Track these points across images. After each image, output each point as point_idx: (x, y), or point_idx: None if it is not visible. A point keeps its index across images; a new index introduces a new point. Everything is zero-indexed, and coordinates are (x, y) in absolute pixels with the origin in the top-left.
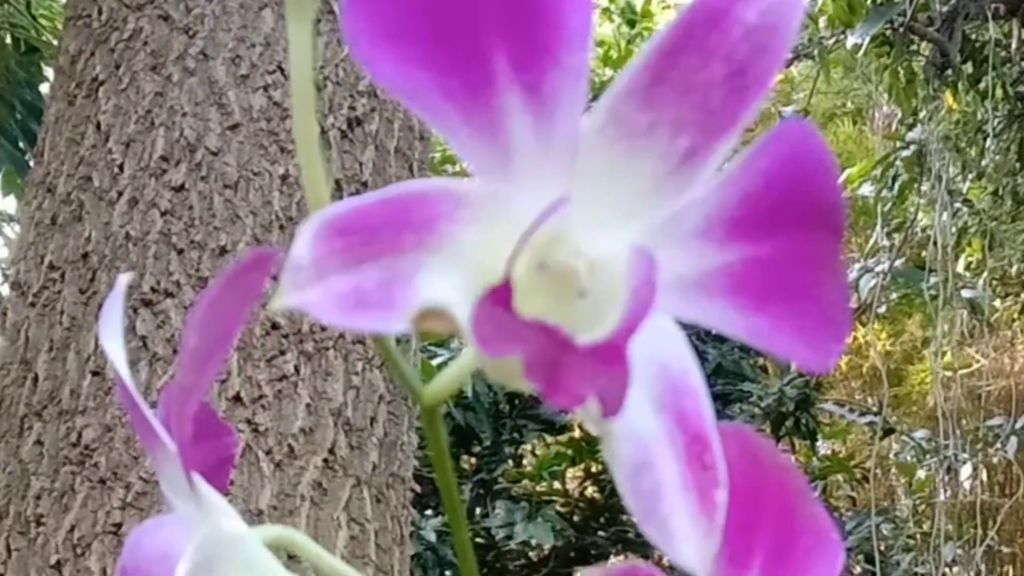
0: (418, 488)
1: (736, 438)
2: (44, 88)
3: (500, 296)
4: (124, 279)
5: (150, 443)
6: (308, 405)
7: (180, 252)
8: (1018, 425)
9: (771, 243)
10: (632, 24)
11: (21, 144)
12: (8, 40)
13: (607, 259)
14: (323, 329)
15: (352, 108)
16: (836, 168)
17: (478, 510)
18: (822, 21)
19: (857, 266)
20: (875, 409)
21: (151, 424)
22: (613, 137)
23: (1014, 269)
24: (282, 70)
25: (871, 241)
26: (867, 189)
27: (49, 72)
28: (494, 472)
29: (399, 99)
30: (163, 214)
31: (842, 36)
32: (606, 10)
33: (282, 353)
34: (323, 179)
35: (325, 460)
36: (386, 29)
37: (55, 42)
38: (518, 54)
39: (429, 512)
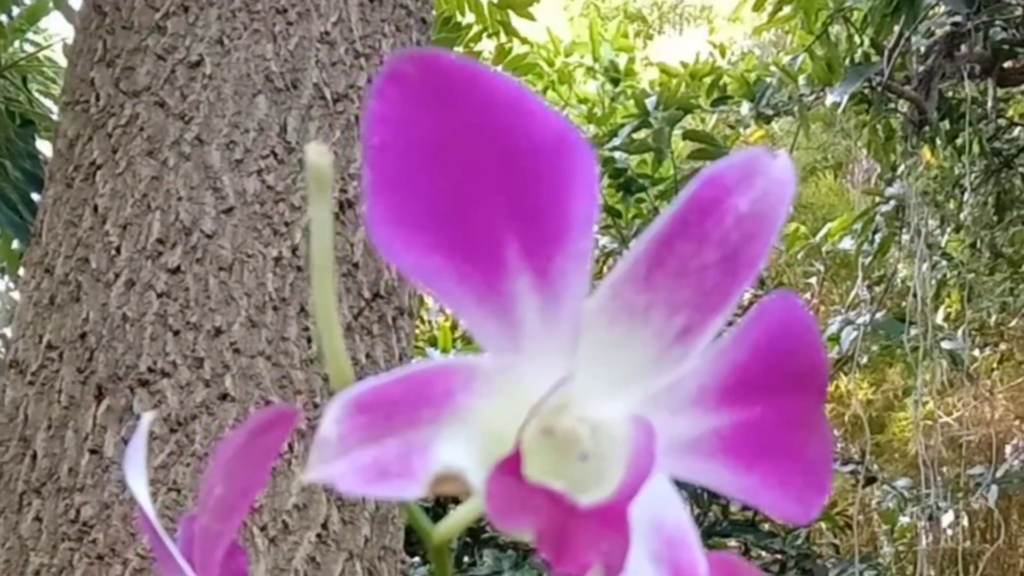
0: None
1: (724, 567)
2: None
3: (511, 466)
4: (148, 417)
5: (171, 572)
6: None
7: (176, 333)
8: (998, 474)
9: (759, 407)
10: (616, 82)
11: (21, 211)
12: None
13: (609, 426)
14: (316, 407)
15: (344, 191)
16: (818, 334)
17: (465, 558)
18: (802, 79)
19: (839, 318)
20: (857, 457)
21: (175, 559)
22: (614, 315)
23: (992, 320)
24: (275, 155)
25: (852, 293)
26: (848, 243)
27: (42, 144)
28: (481, 520)
29: (416, 281)
30: (159, 296)
31: (822, 94)
32: (590, 68)
33: None
34: (344, 353)
35: (318, 535)
36: (405, 218)
37: (50, 116)
38: (527, 242)
39: (416, 560)
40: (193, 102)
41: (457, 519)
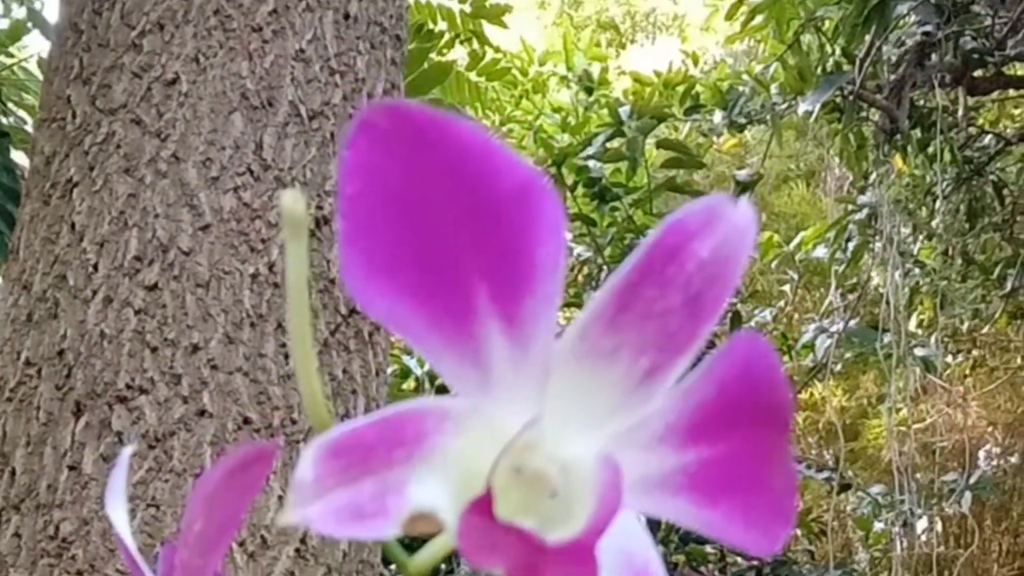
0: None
1: None
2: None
3: (482, 506)
4: (127, 452)
5: None
6: (280, 497)
7: (154, 350)
8: (972, 479)
9: (725, 443)
10: (589, 91)
11: None
12: None
13: (577, 464)
14: (294, 423)
15: (319, 207)
16: (783, 371)
17: (443, 565)
18: (774, 88)
19: (812, 326)
20: (832, 464)
21: None
22: (582, 357)
23: (965, 326)
24: (251, 172)
25: (826, 301)
26: (821, 251)
27: (18, 156)
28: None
29: (388, 327)
30: (137, 312)
31: (794, 102)
32: (564, 78)
33: None
34: (319, 388)
35: (297, 550)
36: (376, 265)
37: (24, 128)
38: (495, 287)
39: (393, 567)
40: (169, 120)
41: (433, 552)
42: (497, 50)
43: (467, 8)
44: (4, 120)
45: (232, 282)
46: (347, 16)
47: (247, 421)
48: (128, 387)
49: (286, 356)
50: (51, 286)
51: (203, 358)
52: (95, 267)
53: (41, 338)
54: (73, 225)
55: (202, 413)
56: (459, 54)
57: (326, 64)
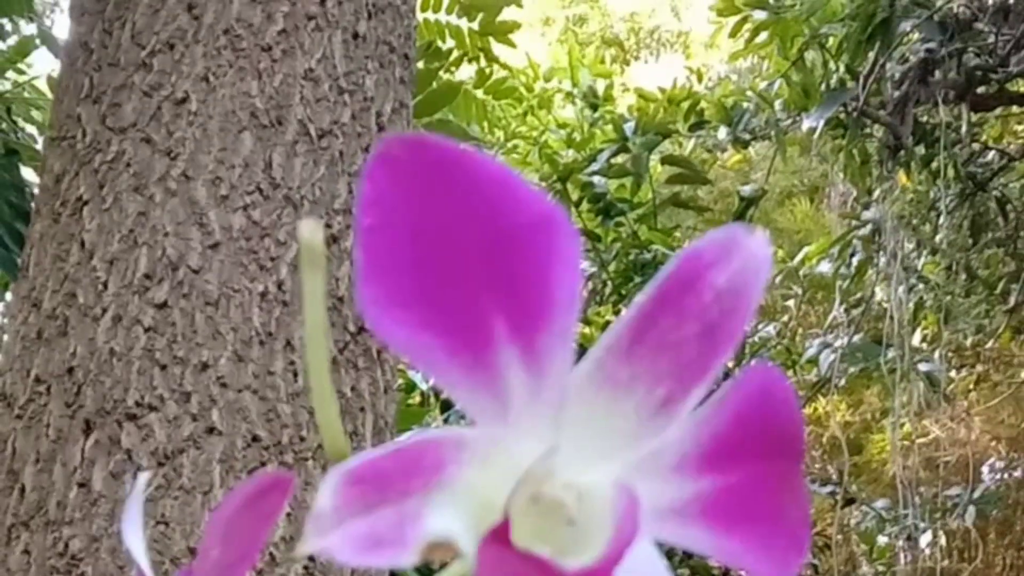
0: None
1: None
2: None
3: (500, 535)
4: (143, 478)
5: None
6: (289, 514)
7: (163, 367)
8: (976, 494)
9: (740, 472)
10: (594, 108)
11: (8, 244)
12: None
13: (594, 492)
14: (302, 440)
15: (328, 226)
16: (797, 401)
17: None
18: (778, 104)
19: (817, 341)
20: (836, 478)
21: None
22: (599, 386)
23: (969, 341)
24: (260, 190)
25: (830, 316)
26: (825, 266)
27: (27, 172)
28: None
29: (406, 359)
30: (146, 330)
31: (798, 119)
32: (569, 94)
33: (263, 464)
34: (338, 420)
35: (305, 567)
36: (394, 298)
37: (34, 146)
38: (513, 319)
39: None
40: (179, 138)
41: None
42: (505, 67)
43: (475, 26)
44: (13, 137)
45: (241, 300)
46: (356, 36)
47: (256, 439)
48: (138, 404)
49: (295, 374)
50: (61, 304)
51: (212, 376)
52: (105, 285)
53: (51, 355)
54: (83, 243)
55: (211, 431)
56: (466, 71)
57: (335, 83)
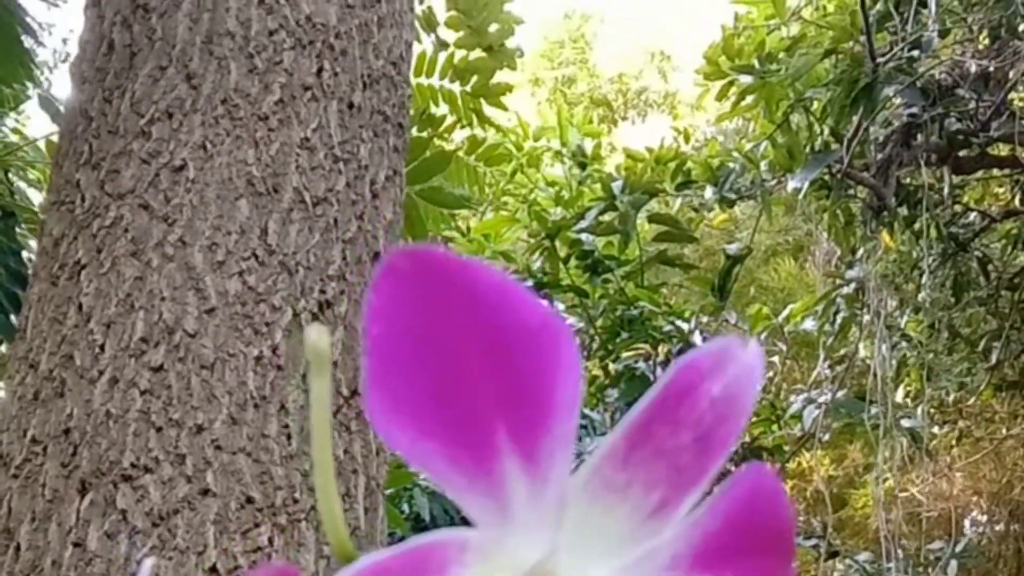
0: None
1: None
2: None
3: None
4: (149, 563)
5: None
6: None
7: (159, 430)
8: (958, 548)
9: (729, 571)
10: (583, 166)
11: (5, 306)
12: None
13: None
14: (295, 502)
15: (323, 292)
16: (788, 500)
17: None
18: (764, 165)
19: (801, 396)
20: (819, 532)
21: None
22: (596, 491)
23: (951, 398)
24: (256, 256)
25: (814, 373)
26: (810, 324)
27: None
28: None
29: (410, 463)
30: (142, 393)
31: (783, 179)
32: (558, 153)
33: (256, 526)
34: (343, 523)
35: None
36: (399, 406)
37: (32, 208)
38: (515, 426)
39: None
40: (176, 205)
41: None
42: (496, 126)
43: (468, 88)
44: (10, 199)
45: (236, 364)
46: (351, 105)
47: (250, 500)
48: (133, 466)
49: (288, 437)
50: (58, 365)
51: (207, 438)
52: (102, 348)
53: (48, 416)
54: (80, 306)
55: (206, 492)
56: (458, 135)
57: (330, 152)
